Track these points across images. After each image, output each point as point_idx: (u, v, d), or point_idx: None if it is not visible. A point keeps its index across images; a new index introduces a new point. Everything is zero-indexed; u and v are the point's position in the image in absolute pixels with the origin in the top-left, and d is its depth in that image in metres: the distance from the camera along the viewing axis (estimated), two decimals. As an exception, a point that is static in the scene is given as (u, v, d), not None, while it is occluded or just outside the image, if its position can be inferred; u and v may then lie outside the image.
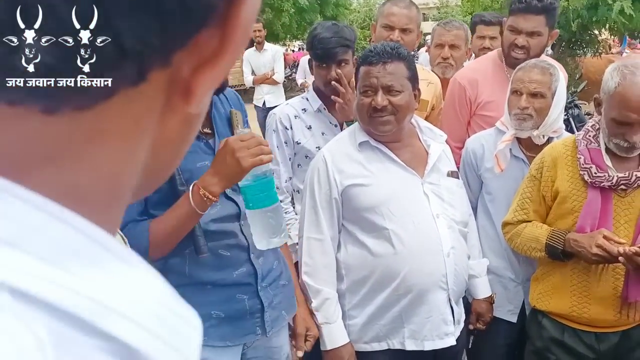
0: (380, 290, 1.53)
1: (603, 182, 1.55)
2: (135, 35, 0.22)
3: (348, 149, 1.58)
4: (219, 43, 0.25)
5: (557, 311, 1.67)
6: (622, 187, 1.55)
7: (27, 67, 0.22)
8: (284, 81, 6.62)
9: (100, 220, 0.24)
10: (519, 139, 1.82)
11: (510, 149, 1.80)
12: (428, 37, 4.52)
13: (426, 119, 2.02)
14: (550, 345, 1.68)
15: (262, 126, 4.59)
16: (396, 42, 1.89)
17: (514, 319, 1.87)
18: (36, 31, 0.21)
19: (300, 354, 1.54)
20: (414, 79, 1.56)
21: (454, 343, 1.57)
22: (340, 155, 1.57)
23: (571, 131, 2.62)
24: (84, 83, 0.22)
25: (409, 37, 2.17)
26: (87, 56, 0.22)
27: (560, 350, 1.67)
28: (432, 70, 2.51)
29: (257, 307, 1.38)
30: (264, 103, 5.80)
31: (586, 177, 1.57)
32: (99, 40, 0.22)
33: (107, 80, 0.22)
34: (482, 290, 1.75)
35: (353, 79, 1.83)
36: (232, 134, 1.33)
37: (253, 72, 5.91)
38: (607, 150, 1.58)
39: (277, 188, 1.70)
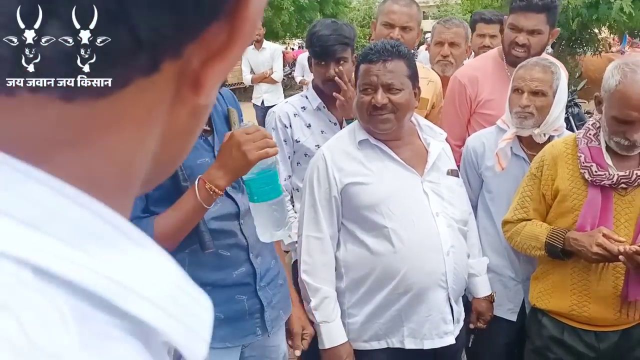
0: (379, 289, 1.53)
1: (603, 180, 1.55)
2: (150, 26, 0.23)
3: (348, 147, 1.57)
4: (227, 37, 0.26)
5: (557, 310, 1.67)
6: (623, 185, 1.55)
7: (27, 67, 0.22)
8: (284, 79, 6.61)
9: (113, 206, 0.25)
10: (519, 138, 1.81)
11: (511, 148, 1.80)
12: (428, 36, 4.52)
13: (426, 117, 2.02)
14: (550, 344, 1.68)
15: (261, 125, 4.58)
16: (396, 40, 1.89)
17: (513, 317, 1.87)
18: (36, 31, 0.22)
19: (298, 353, 1.54)
20: (414, 77, 1.56)
21: (454, 342, 1.56)
22: (340, 154, 1.56)
23: (571, 130, 2.62)
24: (83, 83, 0.23)
25: (409, 35, 2.17)
26: (87, 56, 0.22)
27: (560, 349, 1.67)
28: (432, 68, 2.51)
29: (256, 307, 1.37)
30: (262, 102, 5.79)
31: (587, 176, 1.57)
32: (99, 40, 0.22)
33: (107, 80, 0.23)
34: (482, 289, 1.75)
35: (353, 77, 1.82)
36: (228, 124, 1.33)
37: (252, 71, 5.90)
38: (608, 148, 1.57)
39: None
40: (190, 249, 1.27)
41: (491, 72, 2.20)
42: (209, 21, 0.25)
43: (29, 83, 0.22)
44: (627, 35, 9.35)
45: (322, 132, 1.98)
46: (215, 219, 1.30)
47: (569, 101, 3.61)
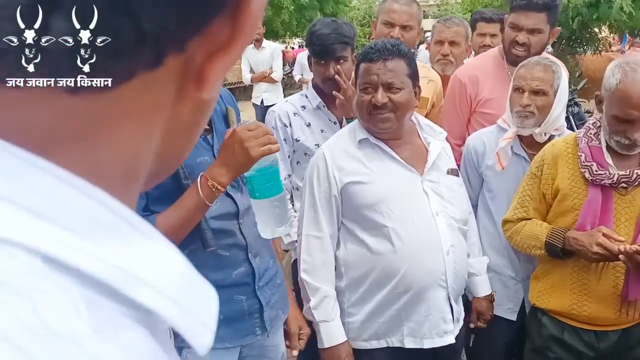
0: (379, 288, 1.53)
1: (604, 179, 1.54)
2: (154, 20, 0.23)
3: (348, 147, 1.57)
4: (230, 32, 0.26)
5: (557, 309, 1.67)
6: (623, 185, 1.55)
7: (27, 67, 0.22)
8: (283, 78, 6.60)
9: (119, 199, 0.25)
10: (520, 137, 1.81)
11: (512, 147, 1.79)
12: (427, 34, 4.52)
13: (426, 116, 2.02)
14: (550, 343, 1.68)
15: (262, 124, 4.56)
16: (397, 39, 1.88)
17: (513, 317, 1.87)
18: (36, 31, 0.22)
19: (295, 352, 1.55)
20: (414, 76, 1.55)
21: (453, 341, 1.56)
22: (340, 153, 1.56)
23: (571, 129, 2.61)
24: (83, 83, 0.23)
25: (409, 34, 2.16)
26: (87, 56, 0.22)
27: (560, 349, 1.67)
28: (432, 67, 2.50)
29: (255, 307, 1.37)
30: (262, 101, 5.78)
31: (587, 175, 1.57)
32: (99, 40, 0.22)
33: (107, 80, 0.23)
34: (482, 288, 1.74)
35: (353, 76, 1.82)
36: (226, 124, 1.33)
37: (251, 70, 5.89)
38: (608, 148, 1.57)
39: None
40: (190, 249, 1.27)
41: (491, 71, 2.20)
42: (211, 16, 0.25)
43: (29, 83, 0.22)
44: (628, 35, 9.33)
45: (322, 131, 1.97)
46: (215, 219, 1.30)
47: (568, 100, 3.60)
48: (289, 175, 1.98)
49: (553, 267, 1.67)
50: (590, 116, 2.97)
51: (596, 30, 7.84)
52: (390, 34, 2.11)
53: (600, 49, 7.95)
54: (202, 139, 1.32)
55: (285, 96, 4.77)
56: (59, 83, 0.23)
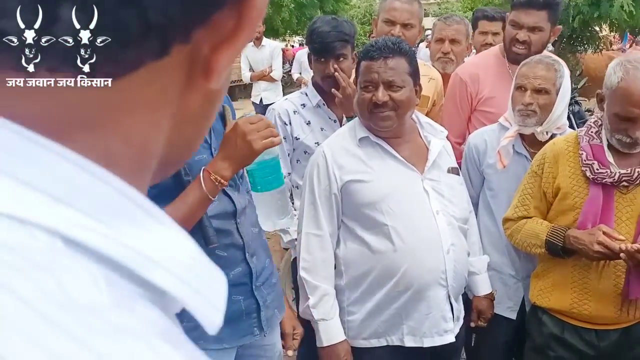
0: (379, 287, 1.52)
1: (605, 178, 1.54)
2: (159, 10, 0.23)
3: (348, 145, 1.57)
4: (235, 23, 0.27)
5: (557, 308, 1.66)
6: (624, 183, 1.55)
7: (27, 67, 0.22)
8: (283, 77, 6.58)
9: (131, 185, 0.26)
10: (522, 135, 1.81)
11: (513, 145, 1.79)
12: (427, 33, 4.50)
13: (427, 114, 2.01)
14: (550, 342, 1.68)
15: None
16: (397, 37, 1.88)
17: (513, 315, 1.87)
18: (36, 31, 0.22)
19: (290, 353, 1.54)
20: (415, 74, 1.55)
21: (453, 340, 1.56)
22: (340, 151, 1.56)
23: (571, 127, 2.61)
24: (84, 83, 0.23)
25: (410, 32, 2.16)
26: (87, 56, 0.23)
27: (560, 347, 1.66)
28: (433, 66, 2.50)
29: (252, 307, 1.36)
30: (261, 100, 5.77)
31: (588, 174, 1.56)
32: (99, 40, 0.22)
33: (107, 80, 0.24)
34: (483, 287, 1.74)
35: (353, 74, 1.81)
36: (223, 124, 1.33)
37: (251, 68, 5.88)
38: (610, 146, 1.57)
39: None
40: None
41: (492, 70, 2.20)
42: (216, 8, 0.26)
43: (29, 83, 0.23)
44: (628, 33, 9.33)
45: (321, 129, 1.97)
46: (213, 218, 1.29)
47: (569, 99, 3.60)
48: (289, 174, 1.97)
49: (553, 266, 1.67)
50: (590, 115, 2.96)
51: (597, 28, 7.83)
52: (391, 32, 2.10)
53: (601, 47, 7.94)
54: None
55: (285, 95, 4.76)
56: (59, 83, 0.23)
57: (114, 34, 0.23)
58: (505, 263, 1.86)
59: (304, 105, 1.99)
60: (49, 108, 0.24)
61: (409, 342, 1.54)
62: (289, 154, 1.97)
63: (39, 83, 0.23)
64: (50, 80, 0.23)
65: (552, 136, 1.78)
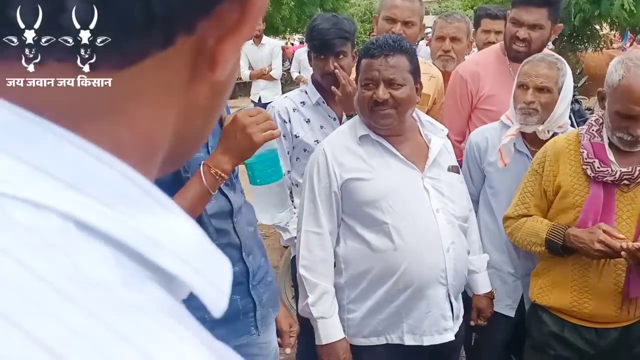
0: (379, 285, 1.52)
1: (606, 176, 1.54)
2: (163, 1, 0.24)
3: (348, 143, 1.56)
4: (239, 15, 0.27)
5: (557, 306, 1.66)
6: (625, 182, 1.54)
7: (27, 67, 0.23)
8: (283, 74, 6.57)
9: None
10: (523, 134, 1.80)
11: (514, 144, 1.79)
12: (427, 31, 4.49)
13: (427, 113, 2.01)
14: (550, 340, 1.68)
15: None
16: (398, 35, 1.87)
17: (511, 313, 1.87)
18: (36, 31, 0.22)
19: (288, 350, 1.54)
20: (416, 72, 1.54)
21: (453, 338, 1.56)
22: (341, 149, 1.55)
23: (571, 126, 2.61)
24: (83, 83, 0.24)
25: (411, 30, 2.15)
26: (87, 56, 0.23)
27: (560, 346, 1.66)
28: (433, 64, 2.49)
29: (249, 306, 1.36)
30: (259, 99, 5.76)
31: (589, 172, 1.56)
32: (99, 40, 0.23)
33: (107, 80, 0.24)
34: (482, 285, 1.74)
35: (353, 73, 1.81)
36: (221, 127, 1.32)
37: (250, 67, 5.86)
38: (611, 144, 1.56)
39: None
40: None
41: (493, 68, 2.19)
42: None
43: (28, 83, 0.23)
44: (629, 32, 9.31)
45: (321, 127, 1.96)
46: (211, 217, 1.28)
47: (569, 97, 3.59)
48: (288, 172, 1.97)
49: (554, 264, 1.67)
50: (590, 113, 2.96)
51: (597, 27, 7.81)
52: (392, 29, 2.10)
53: (601, 46, 7.92)
54: None
55: (284, 93, 4.75)
56: (59, 83, 0.23)
57: (118, 25, 0.23)
58: (505, 261, 1.86)
59: (303, 103, 1.98)
60: (56, 95, 0.24)
61: (409, 341, 1.53)
62: (288, 152, 1.97)
63: (39, 83, 0.23)
64: (50, 81, 0.23)
65: (554, 135, 1.78)
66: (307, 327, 1.60)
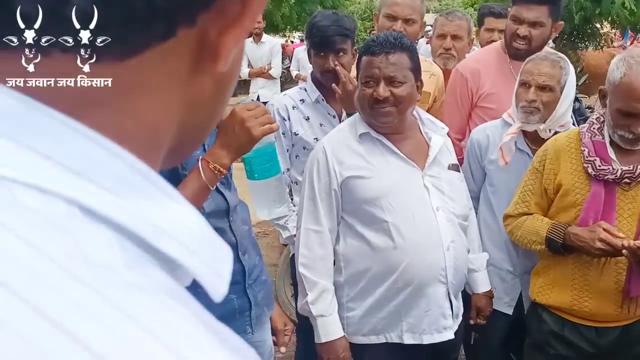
0: (379, 283, 1.52)
1: (607, 175, 1.53)
2: None
3: (348, 140, 1.56)
4: (240, 7, 0.28)
5: (557, 305, 1.66)
6: (626, 180, 1.54)
7: (27, 67, 0.23)
8: (283, 72, 6.55)
9: None
10: (524, 132, 1.80)
11: (515, 142, 1.78)
12: (428, 29, 4.48)
13: (428, 111, 2.00)
14: (550, 339, 1.67)
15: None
16: (399, 32, 1.86)
17: (510, 311, 1.87)
18: (36, 31, 0.22)
19: (283, 349, 1.54)
20: (416, 70, 1.54)
21: (452, 337, 1.56)
22: (341, 147, 1.55)
23: (572, 124, 2.60)
24: (83, 83, 0.24)
25: (412, 27, 2.14)
26: (87, 56, 0.23)
27: (560, 344, 1.66)
28: (434, 61, 2.48)
29: (245, 305, 1.35)
30: (258, 97, 5.74)
31: (590, 170, 1.55)
32: (99, 40, 0.23)
33: (107, 80, 0.24)
34: (482, 284, 1.74)
35: (353, 71, 1.80)
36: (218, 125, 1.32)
37: (249, 65, 5.85)
38: (612, 143, 1.56)
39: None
40: None
41: (493, 66, 2.18)
42: None
43: (28, 83, 0.23)
44: (629, 31, 9.30)
45: (320, 125, 1.96)
46: (207, 216, 1.28)
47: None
48: (288, 170, 1.96)
49: (554, 263, 1.66)
50: (591, 112, 2.95)
51: (598, 25, 7.80)
52: (393, 27, 2.09)
53: (601, 44, 7.91)
54: None
55: (283, 91, 4.73)
56: (59, 83, 0.23)
57: (120, 16, 0.23)
58: (504, 259, 1.86)
59: (302, 100, 1.98)
60: (57, 88, 0.25)
61: (408, 340, 1.53)
62: (287, 150, 1.96)
63: (38, 83, 0.23)
64: (50, 81, 0.23)
65: (555, 134, 1.77)
66: (306, 325, 1.60)
